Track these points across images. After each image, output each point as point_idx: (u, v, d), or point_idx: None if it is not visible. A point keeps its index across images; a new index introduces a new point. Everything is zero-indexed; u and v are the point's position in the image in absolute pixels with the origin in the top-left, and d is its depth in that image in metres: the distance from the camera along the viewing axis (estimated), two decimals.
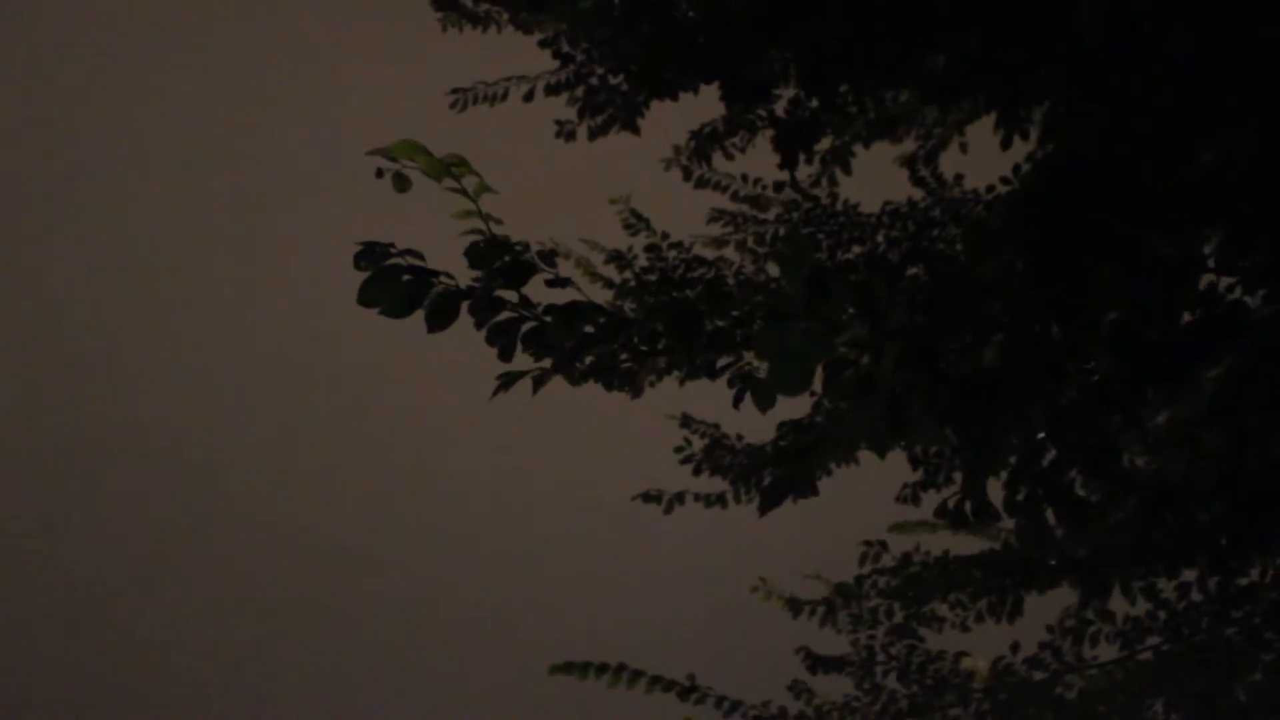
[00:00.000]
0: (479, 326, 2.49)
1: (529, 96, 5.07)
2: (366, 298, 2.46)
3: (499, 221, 2.50)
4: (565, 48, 4.90)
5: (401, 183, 2.49)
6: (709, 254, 5.47)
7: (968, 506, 2.55)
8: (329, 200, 11.89)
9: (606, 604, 11.92)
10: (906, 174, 5.44)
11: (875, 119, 5.11)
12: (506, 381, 2.65)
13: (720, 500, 5.40)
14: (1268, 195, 3.05)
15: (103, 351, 12.69)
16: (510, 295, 2.49)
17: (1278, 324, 2.62)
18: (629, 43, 4.55)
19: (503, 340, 2.47)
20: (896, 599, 5.11)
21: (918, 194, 5.39)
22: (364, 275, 2.47)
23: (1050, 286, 2.86)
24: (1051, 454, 2.62)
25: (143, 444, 12.71)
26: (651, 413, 5.44)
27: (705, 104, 4.86)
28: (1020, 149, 4.47)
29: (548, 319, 2.47)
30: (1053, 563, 4.63)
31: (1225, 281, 2.95)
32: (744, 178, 5.48)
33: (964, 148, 5.40)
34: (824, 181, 5.39)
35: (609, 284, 5.47)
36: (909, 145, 5.46)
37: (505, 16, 5.07)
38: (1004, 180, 4.90)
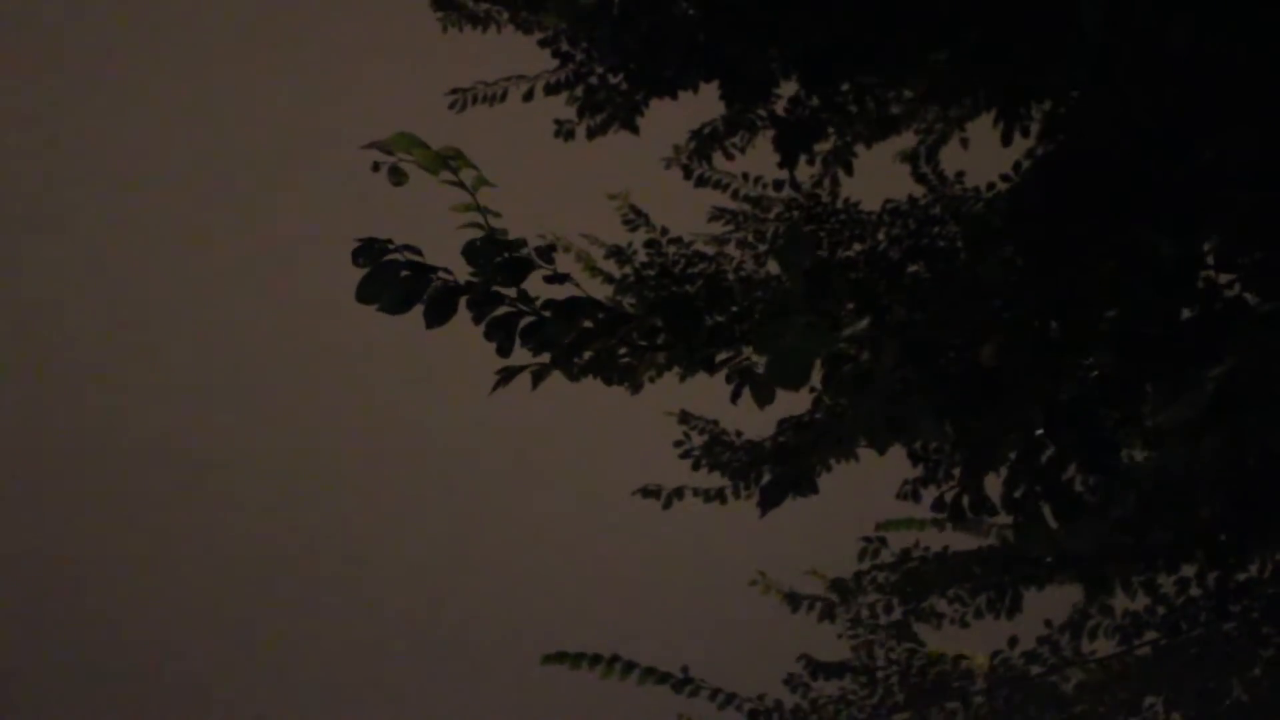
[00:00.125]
0: (477, 322, 2.49)
1: (528, 96, 5.07)
2: (365, 294, 2.46)
3: (497, 215, 2.50)
4: (565, 47, 4.90)
5: (398, 176, 2.48)
6: (709, 250, 5.48)
7: (965, 502, 2.56)
8: (329, 199, 11.90)
9: (605, 600, 11.92)
10: (907, 172, 5.44)
11: (876, 118, 5.11)
12: (505, 377, 2.65)
13: (720, 496, 5.40)
14: (1268, 192, 3.05)
15: (101, 351, 12.70)
16: (508, 291, 2.49)
17: (1277, 322, 2.62)
18: (628, 40, 4.55)
19: (501, 335, 2.47)
20: (895, 594, 5.11)
21: (918, 191, 5.39)
22: (362, 271, 2.47)
23: (1049, 283, 2.86)
24: (1050, 450, 2.62)
25: (142, 444, 12.71)
26: (650, 409, 5.45)
27: (705, 103, 4.86)
28: (1022, 146, 4.47)
29: (546, 314, 2.47)
30: (1050, 560, 4.63)
31: (1223, 278, 2.95)
32: (744, 176, 5.49)
33: (964, 143, 5.40)
34: (826, 182, 5.40)
35: (609, 279, 5.48)
36: (909, 140, 5.46)
37: (505, 16, 5.07)
38: (1004, 178, 4.90)
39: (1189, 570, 4.62)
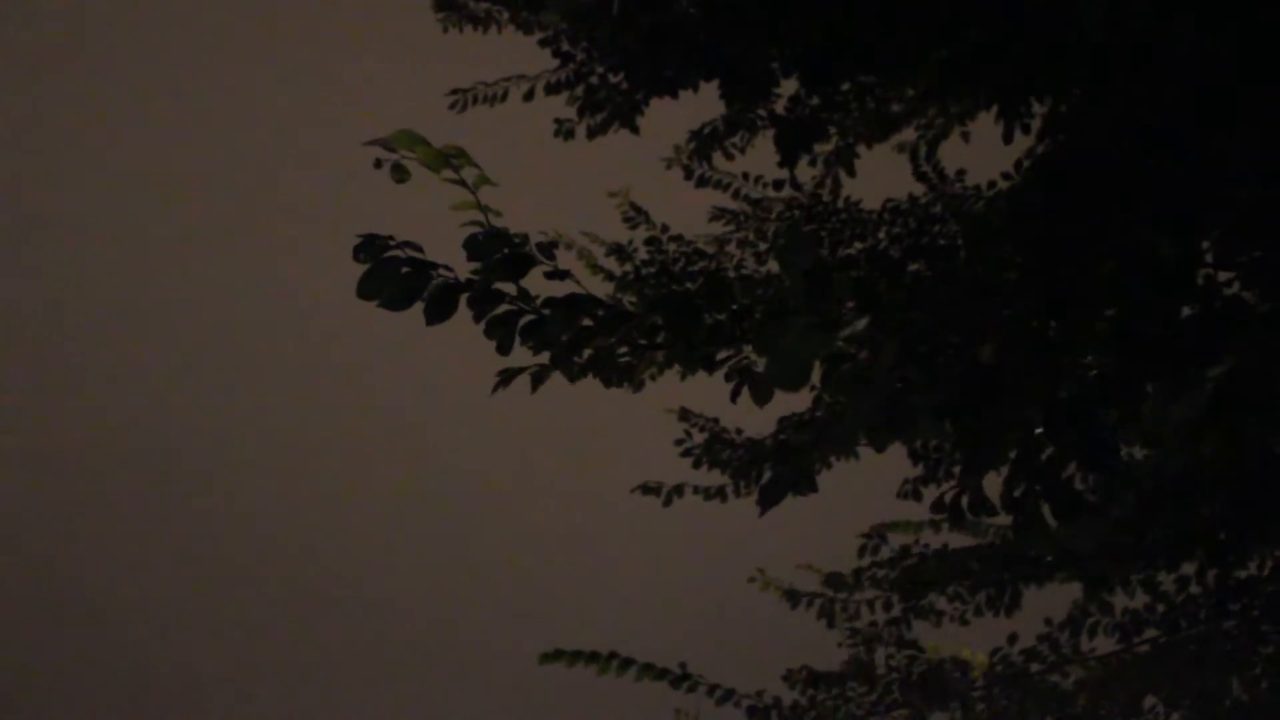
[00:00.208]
0: (478, 319, 2.50)
1: (529, 96, 5.08)
2: (365, 290, 2.47)
3: (498, 213, 2.50)
4: (565, 46, 4.91)
5: (400, 173, 2.49)
6: (710, 249, 5.49)
7: (964, 502, 2.56)
8: (329, 197, 11.90)
9: (605, 598, 11.93)
10: (908, 171, 5.45)
11: (878, 118, 5.11)
12: (505, 378, 2.65)
13: (720, 493, 5.41)
14: (1268, 190, 3.05)
15: (101, 351, 12.70)
16: (509, 288, 2.49)
17: (1277, 321, 2.62)
18: (628, 40, 4.56)
19: (501, 333, 2.47)
20: (894, 591, 5.12)
21: (919, 190, 5.40)
22: (363, 268, 2.47)
23: (1049, 283, 2.87)
24: (1049, 450, 2.62)
25: (140, 444, 12.72)
26: (651, 406, 5.46)
27: (706, 102, 4.86)
28: (1023, 144, 4.47)
29: (546, 312, 2.47)
30: (1049, 558, 4.64)
31: (1223, 277, 2.95)
32: (745, 176, 5.50)
33: (966, 137, 5.41)
34: (828, 183, 5.41)
35: (609, 276, 5.49)
36: (910, 135, 5.47)
37: (505, 16, 5.07)
38: (1005, 176, 4.90)
39: (1189, 568, 4.63)
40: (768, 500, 2.74)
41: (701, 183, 5.53)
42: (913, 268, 4.85)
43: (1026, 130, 4.25)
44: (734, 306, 2.62)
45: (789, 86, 4.75)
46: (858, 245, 5.28)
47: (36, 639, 12.24)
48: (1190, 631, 4.62)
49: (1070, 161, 3.50)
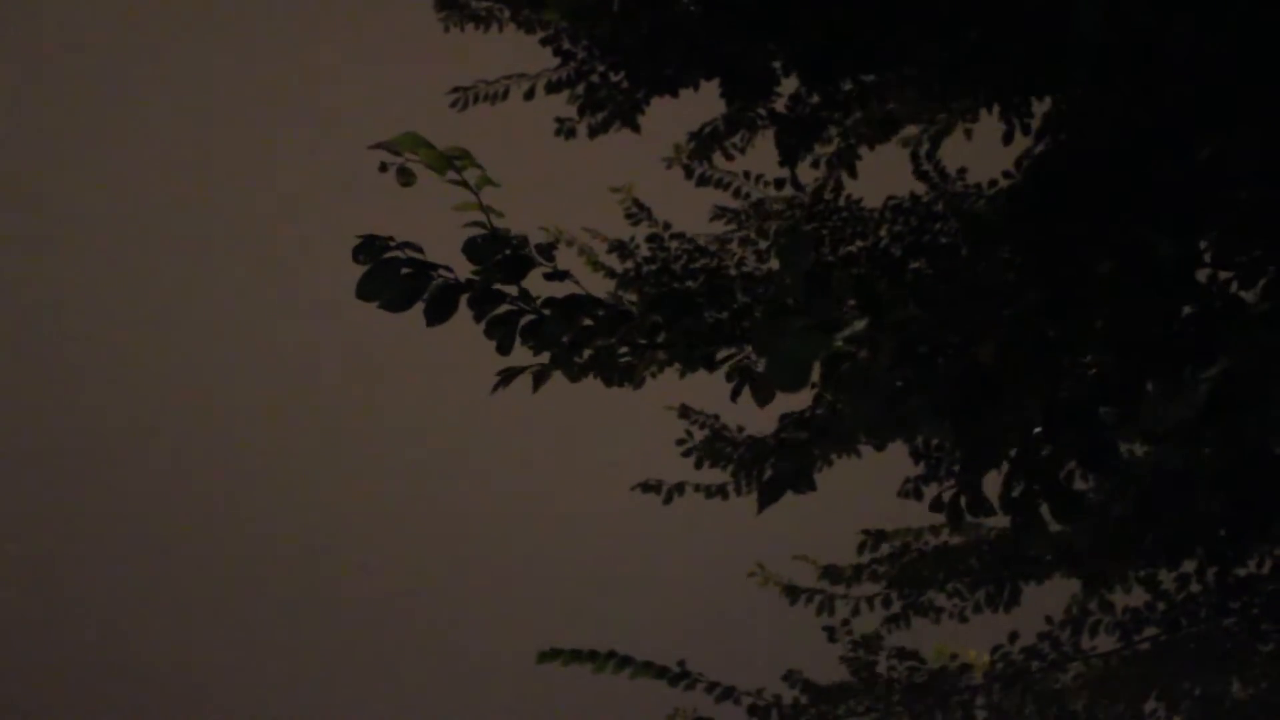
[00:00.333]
0: (478, 320, 2.50)
1: (530, 94, 5.08)
2: (365, 291, 2.47)
3: (500, 215, 2.50)
4: (566, 45, 4.91)
5: (406, 176, 2.49)
6: (711, 246, 5.50)
7: (963, 502, 2.56)
8: (329, 198, 11.90)
9: (605, 596, 11.93)
10: (909, 169, 5.46)
11: (879, 118, 5.12)
12: (506, 378, 2.66)
13: (721, 491, 5.42)
14: (1267, 189, 3.06)
15: (101, 352, 12.71)
16: (510, 289, 2.50)
17: (1274, 321, 2.63)
18: (628, 38, 4.56)
19: (501, 333, 2.48)
20: (893, 588, 5.13)
21: (920, 188, 5.41)
22: (362, 269, 2.47)
23: (1048, 282, 2.87)
24: (1048, 449, 2.63)
25: (139, 444, 12.73)
26: (652, 404, 5.46)
27: (708, 101, 4.87)
28: (1024, 143, 4.48)
29: (546, 312, 2.48)
30: (1048, 557, 4.64)
31: (1222, 276, 2.96)
32: (746, 174, 5.50)
33: (969, 134, 5.41)
34: (829, 184, 5.41)
35: (611, 273, 5.51)
36: (911, 130, 5.47)
37: (506, 14, 5.08)
38: (1006, 175, 4.90)
39: (1189, 566, 4.63)
40: (767, 498, 2.75)
41: (702, 182, 5.54)
42: (913, 266, 4.85)
43: (1027, 130, 4.25)
44: (735, 305, 2.62)
45: (789, 85, 4.75)
46: (859, 243, 5.29)
47: (36, 639, 12.25)
48: (1191, 630, 4.62)
49: (1069, 161, 3.50)
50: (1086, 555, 4.56)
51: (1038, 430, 2.63)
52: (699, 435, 5.52)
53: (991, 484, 2.73)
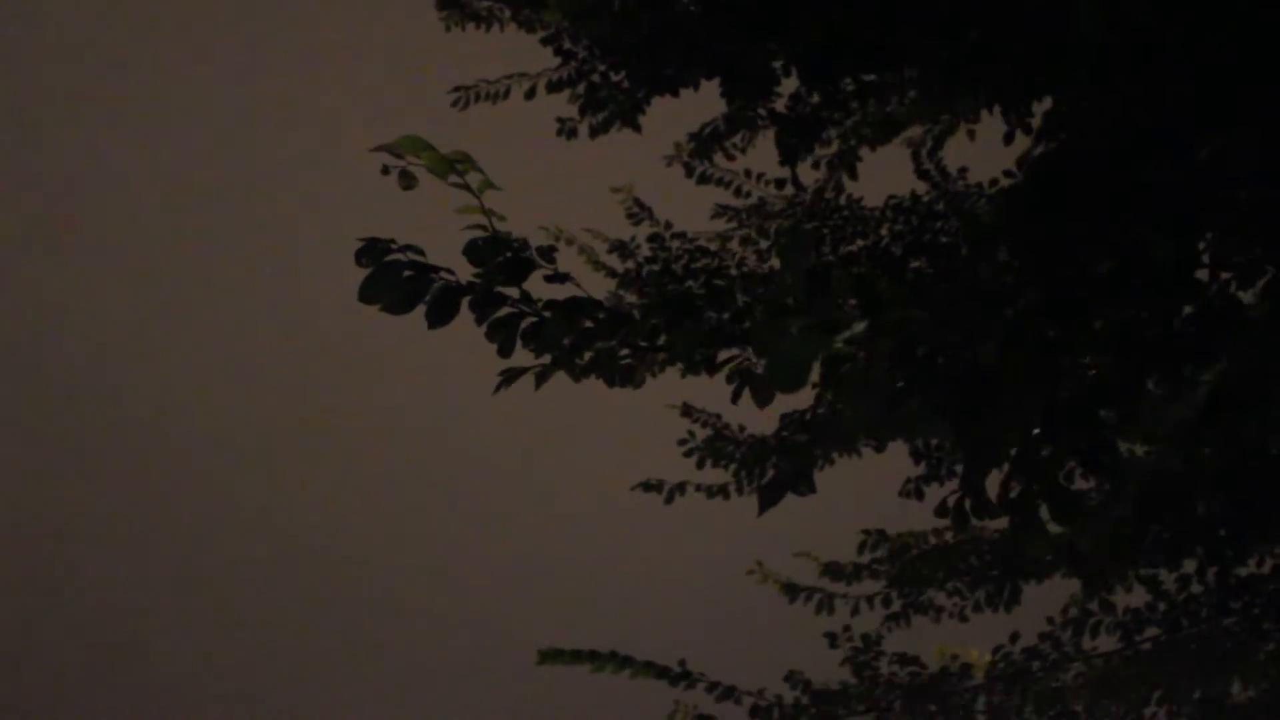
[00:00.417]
0: (479, 322, 2.51)
1: (531, 94, 5.09)
2: (367, 294, 2.48)
3: (502, 218, 2.51)
4: (566, 44, 4.92)
5: (408, 179, 2.49)
6: (712, 245, 5.50)
7: (968, 505, 2.56)
8: (329, 199, 11.91)
9: (604, 595, 11.94)
10: (910, 168, 5.46)
11: (880, 120, 5.12)
12: (508, 378, 2.66)
13: (722, 491, 5.42)
14: (1266, 189, 3.06)
15: (102, 351, 12.72)
16: (510, 291, 2.50)
17: (1272, 323, 2.63)
18: (628, 38, 4.56)
19: (502, 335, 2.48)
20: (893, 586, 5.13)
21: (921, 187, 5.41)
22: (365, 272, 2.48)
23: (1048, 283, 2.87)
24: (1048, 450, 2.63)
25: (146, 444, 12.74)
26: (653, 403, 5.46)
27: (710, 101, 4.87)
28: (1024, 142, 4.47)
29: (547, 314, 2.48)
30: (1049, 558, 4.64)
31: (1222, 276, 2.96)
32: (747, 173, 5.50)
33: (972, 135, 5.42)
34: (830, 186, 5.42)
35: (612, 273, 5.51)
36: (915, 131, 5.48)
37: (507, 14, 5.08)
38: (1008, 174, 4.90)
39: (1190, 566, 4.63)
40: (766, 501, 2.75)
41: (703, 180, 5.54)
42: (914, 265, 4.86)
43: (1027, 130, 4.25)
44: (735, 307, 2.63)
45: (790, 85, 4.76)
46: (859, 242, 5.29)
47: (36, 639, 12.26)
48: (1192, 630, 4.62)
49: (1069, 161, 3.50)
50: (1087, 555, 4.56)
51: (1037, 431, 2.64)
52: (701, 434, 5.52)
53: (992, 484, 2.73)
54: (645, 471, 5.53)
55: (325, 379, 12.74)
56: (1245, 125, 3.16)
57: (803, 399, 4.88)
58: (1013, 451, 2.69)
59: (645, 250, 5.49)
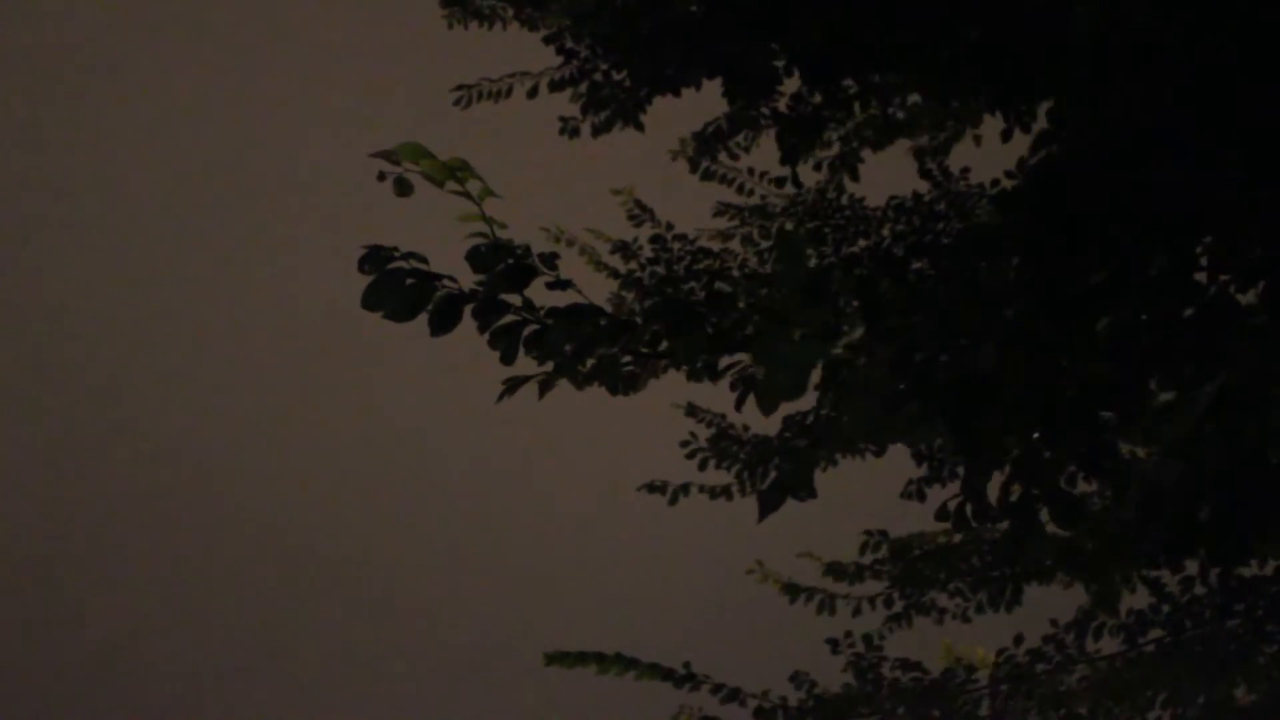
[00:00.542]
0: (482, 330, 2.51)
1: (533, 93, 5.09)
2: (370, 302, 2.48)
3: (503, 225, 2.51)
4: (569, 43, 4.92)
5: (403, 187, 2.49)
6: (714, 246, 5.50)
7: (968, 509, 2.56)
8: (331, 202, 11.91)
9: (605, 596, 11.94)
10: (912, 169, 5.46)
11: (881, 121, 5.12)
12: (511, 386, 2.66)
13: (725, 492, 5.41)
14: (1266, 190, 3.06)
15: (101, 351, 12.72)
16: (513, 298, 2.50)
17: (1272, 326, 2.63)
18: (630, 37, 4.56)
19: (505, 343, 2.48)
20: (895, 587, 5.12)
21: (923, 188, 5.41)
22: (367, 279, 2.48)
23: (1047, 285, 2.88)
24: (1049, 453, 2.63)
25: (145, 444, 12.74)
26: (656, 404, 5.46)
27: (712, 100, 4.87)
28: (1025, 143, 4.47)
29: (549, 321, 2.49)
30: (1049, 561, 4.64)
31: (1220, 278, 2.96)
32: (750, 171, 5.50)
33: (978, 140, 5.42)
34: (832, 186, 5.42)
35: (614, 274, 5.51)
36: (921, 139, 5.48)
37: (510, 13, 5.08)
38: (1009, 175, 4.90)
39: (1192, 568, 4.62)
40: (766, 505, 2.75)
41: (706, 176, 5.54)
42: (916, 266, 4.85)
43: (1027, 130, 4.25)
44: (737, 312, 2.63)
45: (791, 85, 4.75)
46: (861, 243, 5.29)
47: (36, 638, 12.28)
48: (1195, 632, 4.61)
49: (1068, 164, 3.50)
50: (1088, 556, 4.56)
51: (1037, 434, 2.64)
52: (704, 434, 5.51)
53: (993, 486, 2.73)
54: (648, 473, 5.53)
55: (326, 380, 12.73)
56: (1245, 125, 3.16)
57: (806, 401, 4.88)
58: (1013, 454, 2.69)
59: (647, 251, 5.49)
